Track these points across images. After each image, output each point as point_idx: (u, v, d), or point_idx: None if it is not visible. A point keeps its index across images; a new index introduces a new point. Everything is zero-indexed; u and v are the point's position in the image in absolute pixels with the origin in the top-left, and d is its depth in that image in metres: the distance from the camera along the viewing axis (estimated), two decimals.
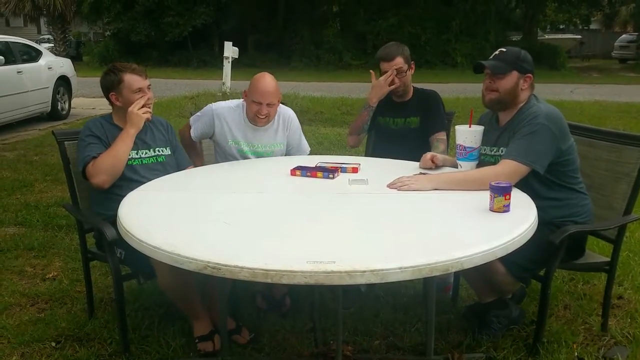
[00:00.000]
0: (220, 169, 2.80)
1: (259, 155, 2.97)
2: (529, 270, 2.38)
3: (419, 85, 3.21)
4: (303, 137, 3.14)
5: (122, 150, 2.54)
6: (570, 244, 2.32)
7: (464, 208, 2.07)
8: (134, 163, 2.61)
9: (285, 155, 3.06)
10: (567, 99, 11.19)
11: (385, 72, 3.02)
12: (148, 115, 2.63)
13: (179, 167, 2.79)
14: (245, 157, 2.95)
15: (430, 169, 2.60)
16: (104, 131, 2.61)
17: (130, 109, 2.59)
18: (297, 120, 3.08)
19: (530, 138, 2.28)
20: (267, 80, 2.79)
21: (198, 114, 3.00)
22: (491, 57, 2.48)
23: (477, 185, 2.20)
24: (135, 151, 2.63)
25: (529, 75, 2.42)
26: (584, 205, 2.44)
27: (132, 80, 2.61)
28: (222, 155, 2.99)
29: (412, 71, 3.09)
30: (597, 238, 2.67)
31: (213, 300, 2.53)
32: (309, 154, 3.14)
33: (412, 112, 3.10)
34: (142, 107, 2.61)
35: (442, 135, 3.04)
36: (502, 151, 2.42)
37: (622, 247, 2.54)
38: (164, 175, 2.62)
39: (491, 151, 2.50)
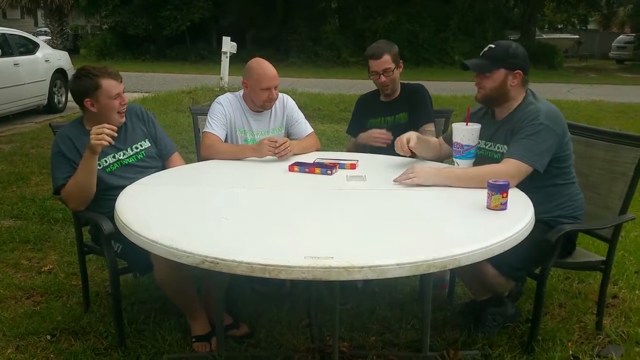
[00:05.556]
0: (218, 164, 2.80)
1: None
2: (523, 269, 2.38)
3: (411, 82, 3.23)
4: (302, 116, 3.11)
5: (84, 179, 2.39)
6: (563, 241, 2.32)
7: (462, 205, 2.08)
8: (114, 168, 2.54)
9: (291, 135, 3.04)
10: (563, 99, 11.20)
11: (374, 71, 3.03)
12: (104, 143, 2.32)
13: (164, 156, 2.74)
14: None
15: (408, 156, 2.62)
16: (72, 143, 2.48)
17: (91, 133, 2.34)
18: (290, 98, 3.10)
19: (533, 138, 2.27)
20: (268, 64, 2.87)
21: (207, 120, 2.91)
22: (481, 53, 2.46)
23: (478, 183, 2.17)
24: (112, 155, 2.54)
25: (519, 71, 2.38)
26: (576, 200, 2.45)
27: (110, 85, 2.47)
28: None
29: (401, 69, 3.11)
30: (593, 237, 2.68)
31: (210, 296, 2.53)
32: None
33: (400, 108, 3.13)
34: (104, 126, 2.35)
35: (430, 127, 3.07)
36: (497, 147, 2.42)
37: (617, 246, 2.55)
38: (148, 171, 2.55)
39: (486, 145, 2.50)
